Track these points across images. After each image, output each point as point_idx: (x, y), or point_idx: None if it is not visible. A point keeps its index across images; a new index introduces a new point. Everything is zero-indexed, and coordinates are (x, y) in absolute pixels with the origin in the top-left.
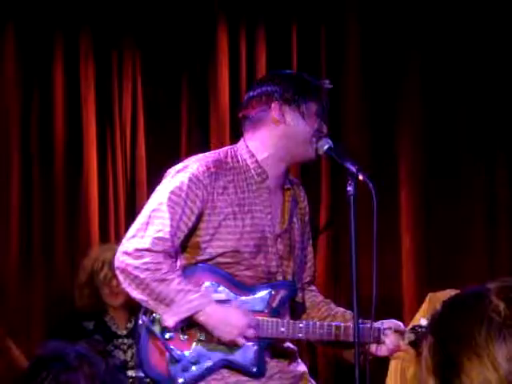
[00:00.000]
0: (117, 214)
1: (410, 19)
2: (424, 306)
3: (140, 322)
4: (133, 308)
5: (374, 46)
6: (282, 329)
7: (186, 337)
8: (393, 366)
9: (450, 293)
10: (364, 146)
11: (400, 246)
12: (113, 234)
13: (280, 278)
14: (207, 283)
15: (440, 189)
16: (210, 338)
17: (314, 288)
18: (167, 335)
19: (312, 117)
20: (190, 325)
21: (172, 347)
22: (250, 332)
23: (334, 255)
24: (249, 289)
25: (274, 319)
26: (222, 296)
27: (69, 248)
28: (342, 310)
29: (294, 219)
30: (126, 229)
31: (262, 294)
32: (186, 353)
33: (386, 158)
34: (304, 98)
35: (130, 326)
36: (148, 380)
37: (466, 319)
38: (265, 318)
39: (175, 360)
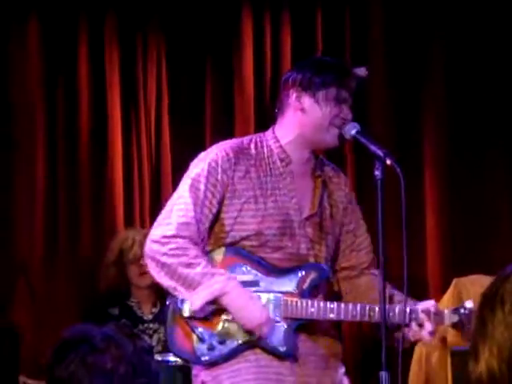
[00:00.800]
0: (142, 198)
1: (435, 3)
2: (450, 291)
3: (167, 302)
4: (158, 292)
5: (398, 29)
6: (312, 309)
7: (212, 317)
8: (417, 351)
9: (476, 278)
10: (388, 130)
11: (425, 230)
12: (138, 218)
13: (312, 260)
14: (234, 265)
15: (465, 172)
16: None
17: (374, 271)
18: (193, 315)
19: (330, 102)
20: (217, 305)
21: (198, 327)
22: (265, 329)
23: None
24: (278, 270)
25: (304, 300)
26: (249, 277)
27: (94, 233)
28: (393, 292)
29: (326, 205)
30: (151, 213)
31: (292, 275)
32: (213, 333)
33: (410, 141)
34: (322, 83)
35: (155, 310)
36: (174, 364)
37: None
38: (294, 298)
39: (201, 340)
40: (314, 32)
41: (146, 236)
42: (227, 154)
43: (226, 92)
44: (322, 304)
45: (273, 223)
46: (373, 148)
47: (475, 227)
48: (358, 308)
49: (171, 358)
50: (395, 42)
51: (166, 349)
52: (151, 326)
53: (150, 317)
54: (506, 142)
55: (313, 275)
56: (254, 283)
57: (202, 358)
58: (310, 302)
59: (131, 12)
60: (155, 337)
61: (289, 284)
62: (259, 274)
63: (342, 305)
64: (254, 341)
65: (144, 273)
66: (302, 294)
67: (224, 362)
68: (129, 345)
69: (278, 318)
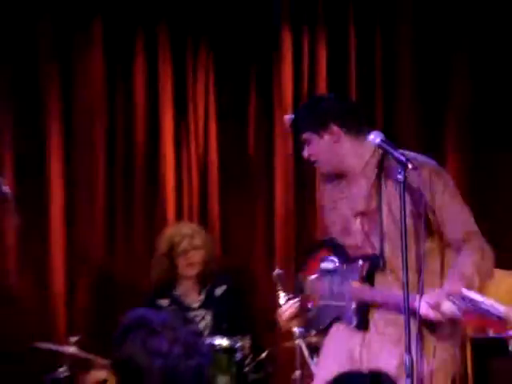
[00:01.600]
0: (190, 196)
1: (457, 17)
2: None
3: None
4: (204, 280)
5: (424, 45)
6: (363, 294)
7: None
8: None
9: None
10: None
11: None
12: (186, 213)
13: (369, 250)
14: (324, 255)
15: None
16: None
17: (464, 248)
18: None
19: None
20: None
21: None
22: None
23: None
24: (350, 260)
25: (363, 286)
26: (330, 266)
27: (147, 227)
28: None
29: (384, 201)
30: (198, 209)
31: (355, 265)
32: (312, 308)
33: (435, 133)
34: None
35: (201, 298)
36: (219, 347)
37: None
38: (358, 284)
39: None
40: (346, 46)
41: (193, 230)
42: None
43: (267, 100)
44: (372, 290)
45: (338, 226)
46: (396, 154)
47: (496, 221)
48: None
49: (217, 341)
50: (422, 55)
51: (212, 333)
52: (198, 313)
53: (197, 305)
54: None
55: (368, 264)
56: (333, 271)
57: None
58: (364, 288)
59: (183, 28)
60: (203, 323)
61: (354, 272)
62: (338, 264)
63: (385, 291)
64: (337, 317)
65: (191, 264)
66: (363, 280)
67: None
68: (182, 328)
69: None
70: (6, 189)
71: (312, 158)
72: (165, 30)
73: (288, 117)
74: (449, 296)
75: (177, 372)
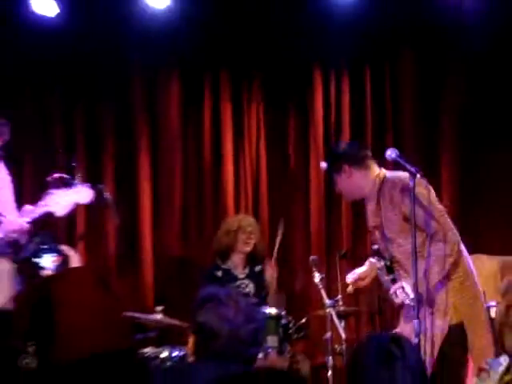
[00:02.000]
0: (246, 198)
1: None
2: None
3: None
4: (250, 258)
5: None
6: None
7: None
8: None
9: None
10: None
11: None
12: (243, 211)
13: (387, 255)
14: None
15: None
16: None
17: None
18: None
19: None
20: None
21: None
22: None
23: None
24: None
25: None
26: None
27: (213, 222)
28: None
29: (383, 215)
30: (252, 209)
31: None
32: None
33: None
34: None
35: (246, 271)
36: (268, 314)
37: None
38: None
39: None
40: (363, 83)
41: (253, 221)
42: None
43: (304, 125)
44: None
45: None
46: (408, 166)
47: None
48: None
49: (268, 310)
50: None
51: (254, 298)
52: (243, 282)
53: (243, 276)
54: None
55: (387, 261)
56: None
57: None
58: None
59: (239, 72)
60: (246, 290)
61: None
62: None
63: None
64: None
65: (248, 243)
66: (387, 271)
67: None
68: (243, 300)
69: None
70: (107, 195)
71: (339, 192)
72: (226, 75)
73: (323, 164)
74: (399, 288)
75: (239, 334)
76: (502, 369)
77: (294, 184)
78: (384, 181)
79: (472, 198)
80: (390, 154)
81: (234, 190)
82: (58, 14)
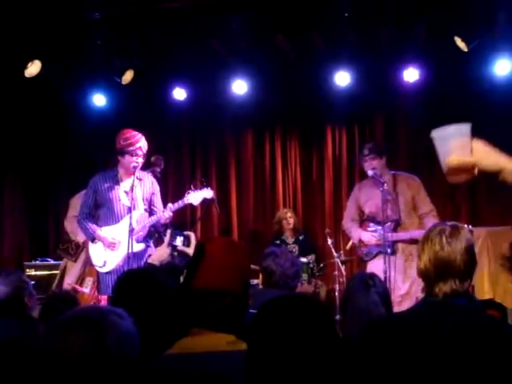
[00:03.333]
0: (289, 198)
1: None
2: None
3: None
4: (294, 232)
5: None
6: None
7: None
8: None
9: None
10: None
11: None
12: (289, 205)
13: (394, 217)
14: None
15: None
16: None
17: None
18: None
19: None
20: None
21: None
22: None
23: None
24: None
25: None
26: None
27: (271, 210)
28: None
29: (398, 192)
30: (292, 204)
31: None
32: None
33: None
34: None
35: (293, 239)
36: (304, 262)
37: None
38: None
39: None
40: (354, 138)
41: (290, 211)
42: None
43: (320, 162)
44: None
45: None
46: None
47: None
48: None
49: (302, 259)
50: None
51: (299, 255)
52: (292, 246)
53: (291, 242)
54: None
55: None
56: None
57: None
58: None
59: (284, 132)
60: (294, 250)
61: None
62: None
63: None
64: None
65: (289, 223)
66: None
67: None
68: (289, 254)
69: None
70: (213, 195)
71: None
72: (280, 132)
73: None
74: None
75: (287, 273)
76: None
77: (315, 191)
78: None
79: None
80: (369, 172)
81: (283, 196)
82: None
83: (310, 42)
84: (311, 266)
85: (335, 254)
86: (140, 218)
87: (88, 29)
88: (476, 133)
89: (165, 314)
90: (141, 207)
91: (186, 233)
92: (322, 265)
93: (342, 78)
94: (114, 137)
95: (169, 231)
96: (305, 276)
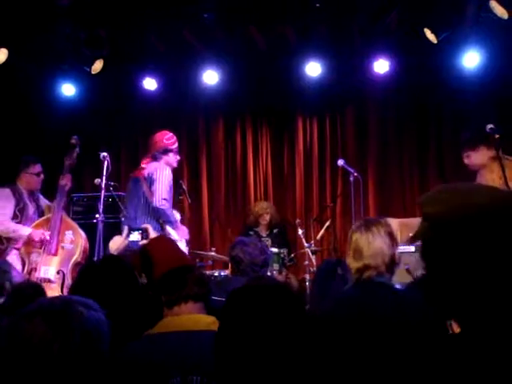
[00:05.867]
0: (260, 189)
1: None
2: None
3: None
4: (269, 226)
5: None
6: None
7: None
8: None
9: None
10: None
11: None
12: (258, 196)
13: None
14: None
15: None
16: None
17: None
18: None
19: None
20: None
21: None
22: None
23: None
24: None
25: None
26: None
27: (243, 200)
28: None
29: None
30: (264, 195)
31: None
32: None
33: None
34: None
35: (267, 232)
36: (276, 252)
37: None
38: None
39: None
40: (324, 132)
41: (267, 204)
42: None
43: (291, 151)
44: None
45: None
46: (351, 171)
47: None
48: None
49: (273, 249)
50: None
51: (272, 247)
52: (266, 239)
53: (265, 235)
54: None
55: None
56: None
57: None
58: None
59: (256, 120)
60: (268, 243)
61: None
62: None
63: None
64: None
65: (265, 218)
66: None
67: None
68: (258, 243)
69: None
70: (184, 187)
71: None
72: (250, 121)
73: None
74: None
75: (255, 261)
76: None
77: (286, 181)
78: None
79: None
80: (339, 162)
81: (254, 186)
82: None
83: (281, 32)
84: (282, 256)
85: (306, 244)
86: None
87: (56, 17)
88: (444, 124)
89: (135, 301)
90: None
91: (142, 226)
92: (292, 255)
93: (313, 69)
94: (83, 127)
95: (126, 227)
96: (276, 266)
